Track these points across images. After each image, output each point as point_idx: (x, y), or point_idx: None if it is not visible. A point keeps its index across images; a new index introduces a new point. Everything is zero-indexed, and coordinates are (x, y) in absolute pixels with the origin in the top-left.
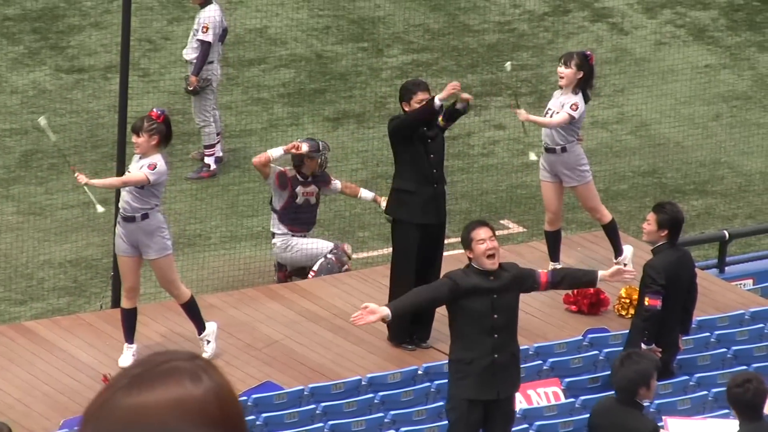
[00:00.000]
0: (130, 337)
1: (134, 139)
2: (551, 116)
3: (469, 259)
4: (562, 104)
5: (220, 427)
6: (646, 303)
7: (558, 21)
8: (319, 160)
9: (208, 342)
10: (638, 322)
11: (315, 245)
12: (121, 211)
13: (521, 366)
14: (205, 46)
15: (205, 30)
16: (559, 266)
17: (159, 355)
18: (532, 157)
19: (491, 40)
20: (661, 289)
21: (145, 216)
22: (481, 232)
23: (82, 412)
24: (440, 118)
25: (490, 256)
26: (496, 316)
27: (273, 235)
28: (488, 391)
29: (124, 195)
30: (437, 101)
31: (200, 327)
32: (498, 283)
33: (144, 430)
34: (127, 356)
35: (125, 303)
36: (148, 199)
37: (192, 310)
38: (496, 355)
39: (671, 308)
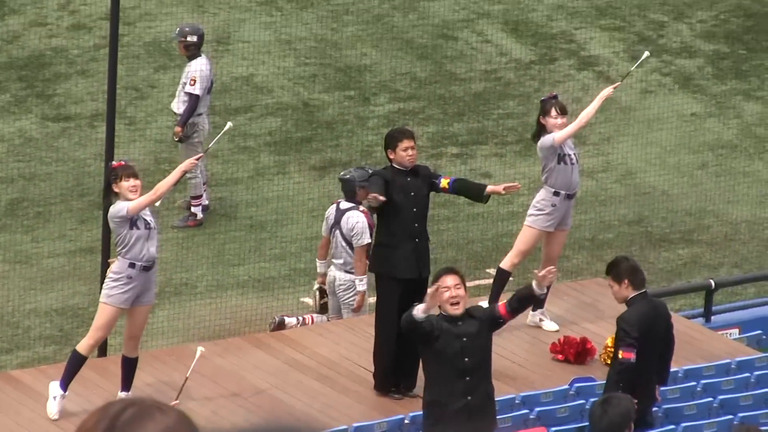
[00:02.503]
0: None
1: (135, 181)
2: (575, 161)
3: (439, 306)
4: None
5: None
6: (620, 356)
7: (544, 69)
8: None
9: None
10: (613, 374)
11: (365, 286)
12: (140, 264)
13: (509, 414)
14: (193, 99)
15: (192, 83)
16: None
17: (112, 405)
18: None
19: (478, 89)
20: (634, 342)
21: (157, 260)
22: (448, 280)
23: None
24: (443, 181)
25: (454, 304)
26: (466, 359)
27: (351, 272)
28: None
29: (152, 244)
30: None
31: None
32: (465, 328)
33: None
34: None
35: (87, 352)
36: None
37: (134, 366)
38: (469, 398)
39: (646, 359)
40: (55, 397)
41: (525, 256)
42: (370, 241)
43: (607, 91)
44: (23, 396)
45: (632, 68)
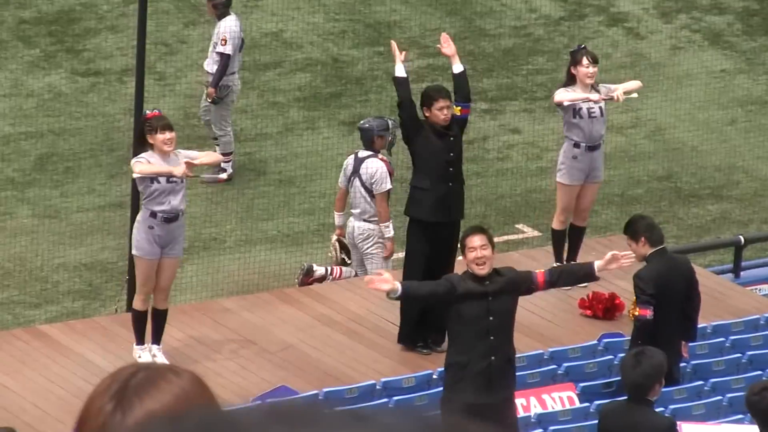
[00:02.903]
0: (141, 338)
1: (170, 134)
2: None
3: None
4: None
5: (216, 404)
6: (636, 313)
7: (574, 25)
8: (390, 139)
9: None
10: (633, 331)
11: (392, 232)
12: (161, 214)
13: (537, 370)
14: (224, 59)
15: (224, 42)
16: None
17: (125, 369)
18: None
19: (507, 45)
20: (650, 299)
21: (183, 213)
22: (474, 240)
23: None
24: (455, 109)
25: (479, 265)
26: (491, 318)
27: (369, 221)
28: (485, 394)
29: (176, 197)
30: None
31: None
32: (492, 287)
33: None
34: (146, 359)
35: (142, 306)
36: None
37: (164, 319)
38: (492, 358)
39: (665, 315)
40: (140, 356)
41: (568, 211)
42: (390, 187)
43: (597, 97)
44: (52, 351)
45: (621, 91)
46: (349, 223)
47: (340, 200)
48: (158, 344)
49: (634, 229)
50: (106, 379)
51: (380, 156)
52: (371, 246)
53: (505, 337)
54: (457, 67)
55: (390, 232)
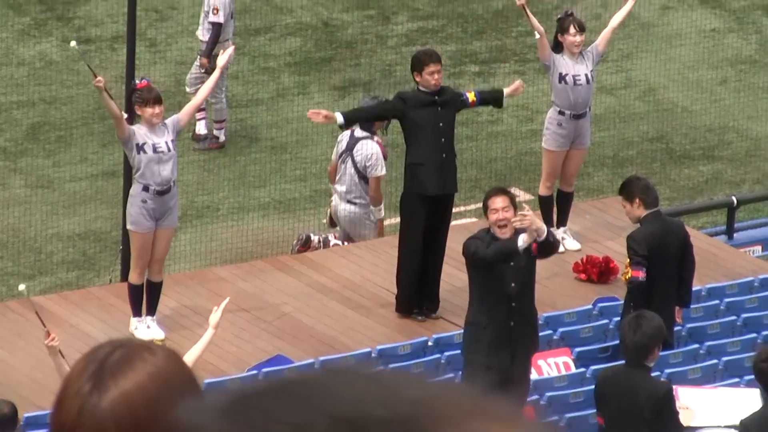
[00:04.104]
0: (138, 311)
1: (159, 108)
2: (582, 82)
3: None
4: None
5: (191, 384)
6: (630, 275)
7: None
8: (386, 121)
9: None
10: (626, 295)
11: (383, 212)
12: (154, 186)
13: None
14: (216, 27)
15: (215, 12)
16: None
17: (101, 347)
18: None
19: (497, 6)
20: (642, 260)
21: (174, 183)
22: (497, 201)
23: None
24: (471, 95)
25: (501, 227)
26: (513, 284)
27: (354, 203)
28: (502, 357)
29: (165, 168)
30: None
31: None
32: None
33: (135, 418)
34: (142, 330)
35: (138, 280)
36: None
37: (158, 291)
38: (512, 323)
39: (658, 278)
40: (136, 328)
41: (553, 176)
42: (384, 172)
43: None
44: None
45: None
46: (333, 198)
47: (332, 173)
48: (153, 315)
49: (629, 190)
50: (81, 359)
51: (376, 138)
52: (357, 228)
53: (526, 302)
54: (504, 103)
55: (381, 214)
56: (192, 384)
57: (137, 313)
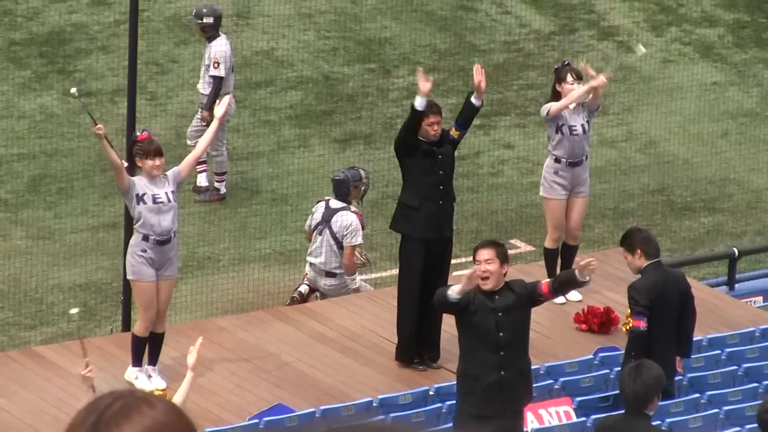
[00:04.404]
0: (139, 361)
1: (160, 161)
2: (578, 132)
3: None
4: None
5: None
6: (630, 324)
7: (565, 40)
8: (363, 189)
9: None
10: (627, 343)
11: (358, 282)
12: (154, 237)
13: (534, 385)
14: (217, 81)
15: (216, 65)
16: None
17: (102, 398)
18: (642, 49)
19: (498, 60)
20: (644, 310)
21: (175, 234)
22: (483, 253)
23: None
24: (453, 130)
25: (483, 279)
26: (501, 334)
27: (334, 275)
28: (494, 407)
29: (165, 218)
30: (417, 101)
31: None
32: (502, 303)
33: None
34: (142, 380)
35: (144, 333)
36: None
37: (161, 341)
38: (502, 372)
39: (659, 328)
40: (137, 377)
41: (558, 228)
42: (361, 242)
43: (600, 80)
44: (48, 372)
45: (616, 64)
46: (309, 270)
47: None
48: (154, 365)
49: (630, 241)
50: (83, 409)
51: (353, 209)
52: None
53: (516, 351)
54: (477, 102)
55: (356, 284)
56: None
57: (138, 363)
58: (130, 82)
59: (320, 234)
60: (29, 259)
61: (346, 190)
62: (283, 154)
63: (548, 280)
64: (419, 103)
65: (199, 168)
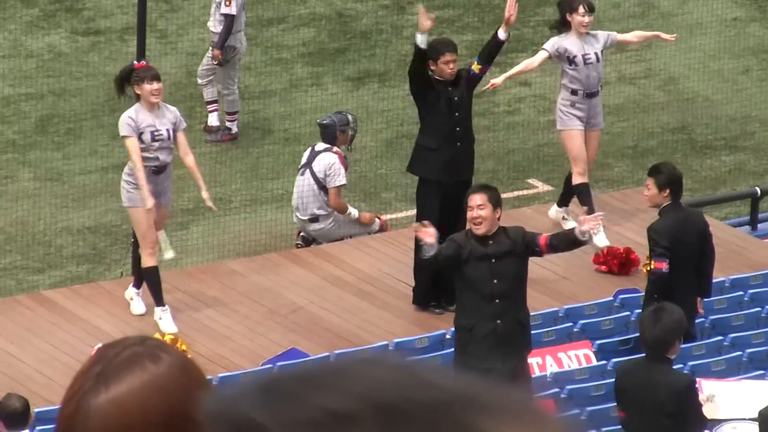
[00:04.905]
0: (160, 298)
1: (158, 85)
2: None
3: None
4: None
5: (192, 392)
6: (652, 266)
7: None
8: (351, 134)
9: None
10: (647, 285)
11: (356, 213)
12: (150, 166)
13: (552, 328)
14: (229, 19)
15: (228, 3)
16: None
17: (112, 347)
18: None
19: None
20: (665, 252)
21: (170, 164)
22: (475, 198)
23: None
24: (474, 65)
25: (475, 224)
26: (495, 281)
27: (317, 218)
28: (491, 358)
29: (160, 152)
30: (418, 38)
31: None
32: (495, 249)
33: (125, 424)
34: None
35: (151, 261)
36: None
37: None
38: (498, 322)
39: (680, 270)
40: (161, 318)
41: (582, 160)
42: (344, 182)
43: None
44: (57, 317)
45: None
46: (297, 221)
47: None
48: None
49: (664, 177)
50: (92, 357)
51: (335, 149)
52: (337, 237)
53: (512, 300)
54: (503, 35)
55: (355, 215)
56: (196, 392)
57: (160, 302)
58: (139, 20)
59: (302, 175)
60: (37, 201)
61: (332, 134)
62: (296, 92)
63: (547, 234)
64: (420, 40)
65: (210, 108)
